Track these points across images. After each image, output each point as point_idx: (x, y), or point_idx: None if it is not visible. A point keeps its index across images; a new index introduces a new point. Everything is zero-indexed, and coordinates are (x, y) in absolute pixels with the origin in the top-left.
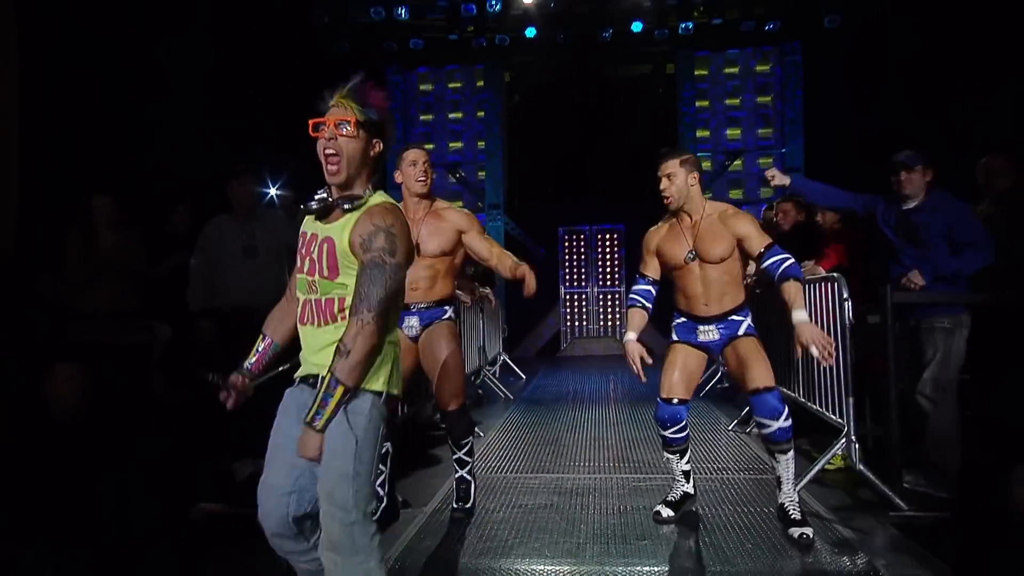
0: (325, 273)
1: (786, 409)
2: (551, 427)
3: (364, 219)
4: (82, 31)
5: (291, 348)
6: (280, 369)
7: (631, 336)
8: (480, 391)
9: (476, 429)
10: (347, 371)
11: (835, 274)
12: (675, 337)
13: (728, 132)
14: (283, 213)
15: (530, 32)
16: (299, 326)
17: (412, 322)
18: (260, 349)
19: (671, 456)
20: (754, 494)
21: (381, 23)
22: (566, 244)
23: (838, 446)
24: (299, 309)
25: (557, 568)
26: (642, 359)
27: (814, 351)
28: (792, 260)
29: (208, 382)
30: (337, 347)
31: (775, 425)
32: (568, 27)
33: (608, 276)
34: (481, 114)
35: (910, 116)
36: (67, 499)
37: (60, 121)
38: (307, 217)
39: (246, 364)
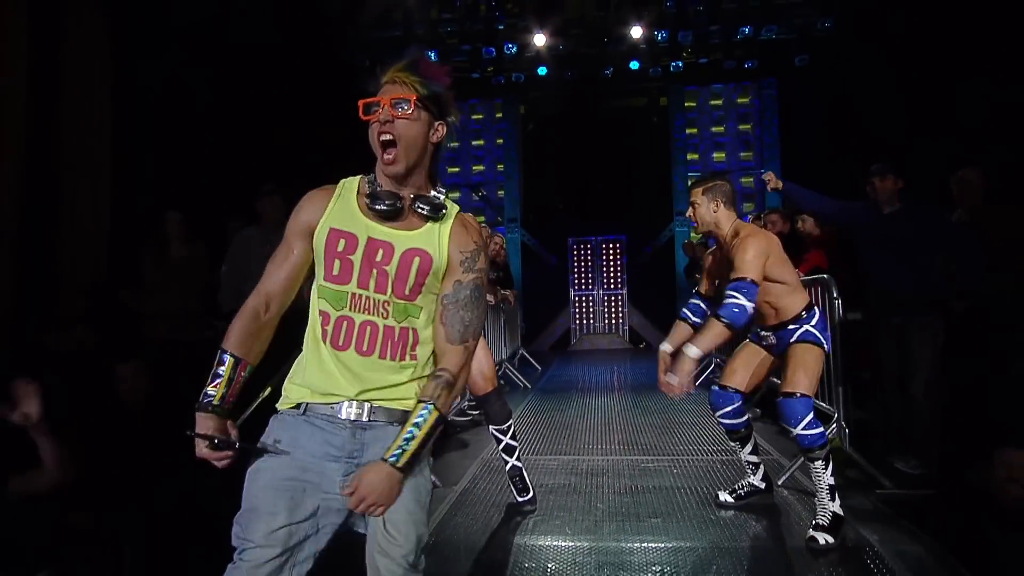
0: (406, 292)
1: (806, 418)
2: (565, 412)
3: (462, 232)
4: (165, 75)
5: (258, 370)
6: (262, 396)
7: (665, 346)
8: (502, 380)
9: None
10: (447, 402)
11: (825, 276)
12: (748, 338)
13: (715, 155)
14: None
15: (542, 71)
16: (336, 350)
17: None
18: (233, 376)
19: (733, 444)
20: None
21: None
22: (575, 252)
23: (830, 430)
24: (340, 329)
25: (578, 544)
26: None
27: (668, 379)
28: (734, 302)
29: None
30: (439, 373)
31: (792, 431)
32: (575, 66)
33: (612, 280)
34: (500, 141)
35: (871, 137)
36: (139, 482)
37: (142, 150)
38: (349, 214)
39: (215, 397)
